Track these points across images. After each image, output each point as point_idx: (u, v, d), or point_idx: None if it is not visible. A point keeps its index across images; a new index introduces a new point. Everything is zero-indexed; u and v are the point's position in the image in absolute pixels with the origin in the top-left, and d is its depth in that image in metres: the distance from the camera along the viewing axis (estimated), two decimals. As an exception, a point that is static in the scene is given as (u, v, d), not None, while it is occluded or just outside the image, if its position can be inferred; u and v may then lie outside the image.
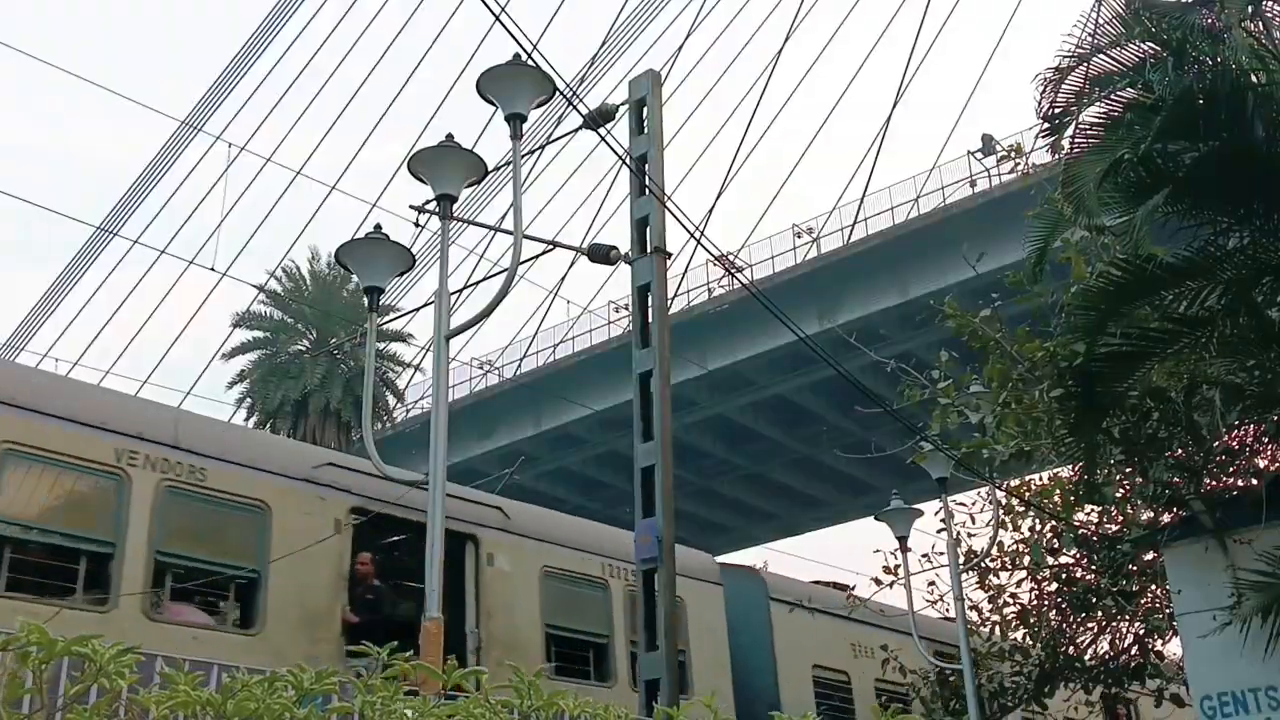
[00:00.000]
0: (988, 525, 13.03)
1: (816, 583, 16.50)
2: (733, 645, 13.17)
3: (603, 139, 10.30)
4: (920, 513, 12.94)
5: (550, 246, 9.99)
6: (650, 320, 11.70)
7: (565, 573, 11.91)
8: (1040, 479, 13.20)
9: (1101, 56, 8.21)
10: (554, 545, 11.92)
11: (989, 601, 13.55)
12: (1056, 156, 9.13)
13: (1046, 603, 13.09)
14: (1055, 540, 12.62)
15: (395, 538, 11.11)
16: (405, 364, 38.04)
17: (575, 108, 10.69)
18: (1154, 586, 12.06)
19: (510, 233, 7.93)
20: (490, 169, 8.35)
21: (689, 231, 11.25)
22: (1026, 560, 13.04)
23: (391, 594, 10.78)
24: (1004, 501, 13.02)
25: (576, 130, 12.43)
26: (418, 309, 30.26)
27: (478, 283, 12.59)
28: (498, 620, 11.00)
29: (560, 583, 11.86)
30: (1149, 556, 11.20)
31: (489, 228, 18.29)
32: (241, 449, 10.24)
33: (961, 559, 12.72)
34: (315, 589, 9.93)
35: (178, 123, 25.39)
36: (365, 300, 8.49)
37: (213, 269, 23.46)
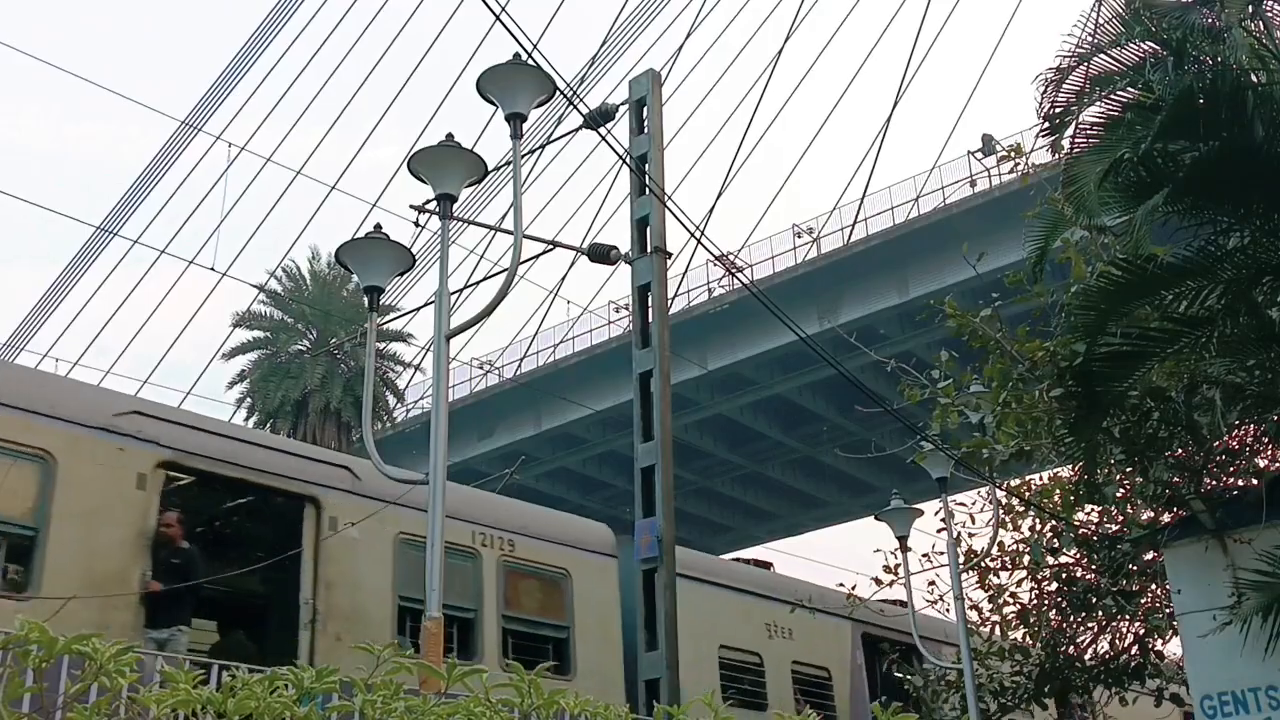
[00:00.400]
0: (988, 525, 13.02)
1: (736, 560, 16.08)
2: (628, 622, 12.24)
3: (603, 139, 10.32)
4: (920, 512, 12.94)
5: (550, 246, 10.01)
6: (650, 320, 11.73)
7: (426, 540, 11.12)
8: (1040, 479, 13.19)
9: (1102, 56, 8.20)
10: (414, 510, 10.61)
11: (989, 601, 13.54)
12: (1057, 156, 9.12)
13: (1046, 602, 13.07)
14: (1055, 540, 12.62)
15: (215, 497, 10.25)
16: (405, 364, 38.11)
17: (575, 107, 10.70)
18: (1154, 586, 12.06)
19: (510, 232, 7.95)
20: (490, 169, 8.36)
21: (689, 231, 11.26)
22: (1026, 560, 13.03)
23: (204, 559, 9.87)
24: (1004, 501, 13.02)
25: (577, 130, 12.47)
26: (418, 309, 30.35)
27: (478, 283, 12.67)
28: (340, 591, 10.09)
29: (420, 551, 10.73)
30: (1149, 556, 11.20)
31: (489, 227, 18.33)
32: (19, 391, 9.21)
33: (961, 558, 12.71)
34: (109, 551, 8.90)
35: (178, 123, 25.42)
36: (365, 300, 8.50)
37: (213, 269, 23.52)
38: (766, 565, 16.06)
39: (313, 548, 10.09)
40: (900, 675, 14.05)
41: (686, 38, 25.19)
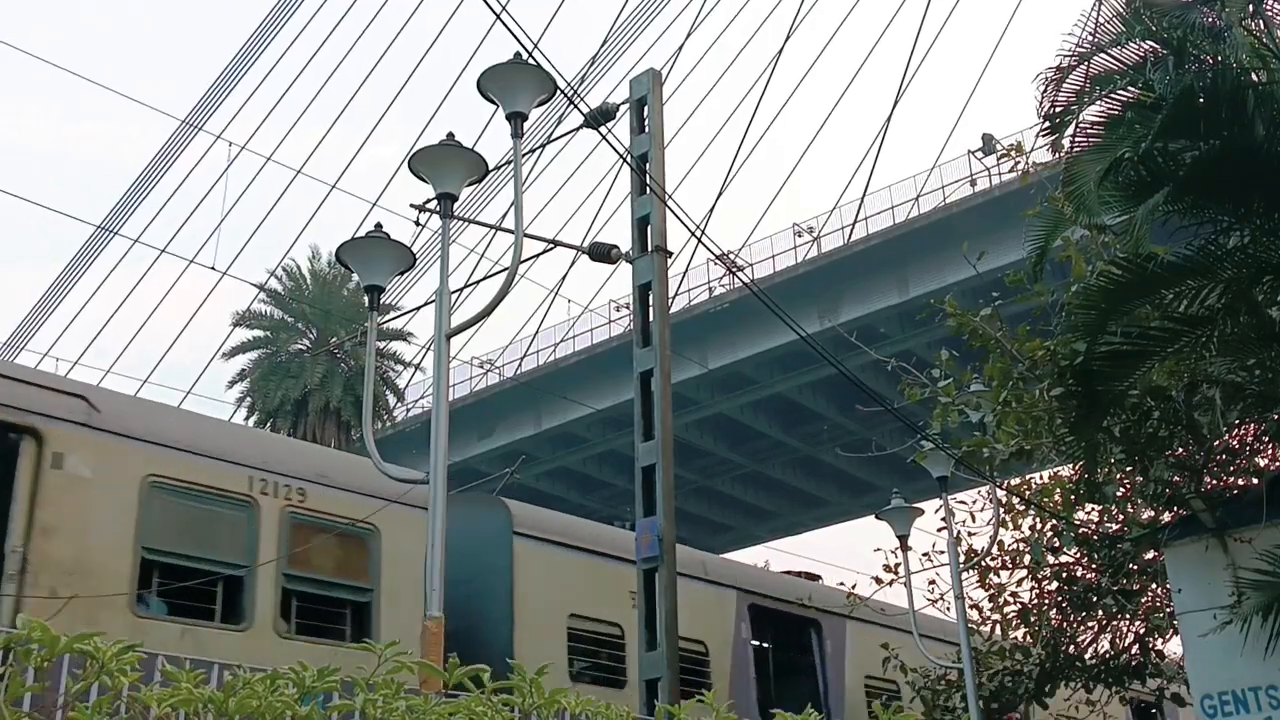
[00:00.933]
0: (988, 524, 13.04)
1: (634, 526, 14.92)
2: (454, 586, 10.89)
3: (603, 138, 10.33)
4: (921, 511, 12.94)
5: (551, 245, 10.01)
6: (651, 319, 11.72)
7: (186, 485, 9.55)
8: (1041, 478, 13.20)
9: (1102, 55, 8.20)
10: (172, 449, 9.55)
11: (989, 600, 13.56)
12: (1057, 156, 9.13)
13: (1047, 602, 13.09)
14: (1055, 539, 12.63)
15: None
16: (405, 363, 38.14)
17: (576, 107, 10.70)
18: (1154, 585, 12.07)
19: (511, 231, 7.95)
20: (491, 168, 8.36)
21: (690, 230, 11.26)
22: (1027, 559, 13.05)
23: None
24: (1004, 500, 13.03)
25: (577, 129, 12.47)
26: (418, 308, 30.31)
27: (478, 282, 12.60)
28: (61, 539, 8.85)
29: (176, 497, 9.51)
30: (1149, 555, 11.21)
31: (490, 226, 18.36)
32: None
33: (962, 558, 12.73)
34: None
35: (178, 122, 25.44)
36: (365, 299, 8.50)
37: (213, 268, 23.56)
38: None
39: (28, 488, 8.76)
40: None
41: (687, 37, 25.27)
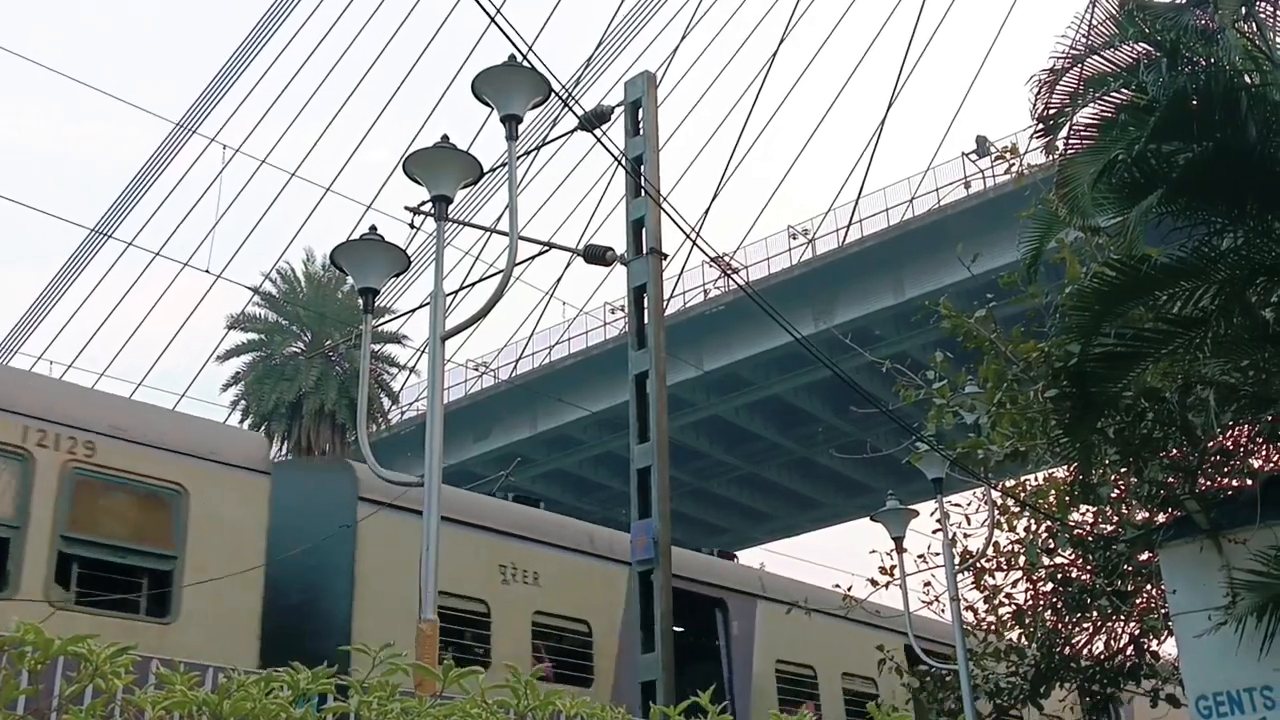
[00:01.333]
0: (983, 525, 13.05)
1: (518, 495, 13.50)
2: (287, 561, 9.91)
3: (598, 140, 10.34)
4: (916, 513, 12.95)
5: (546, 247, 10.01)
6: (646, 321, 11.74)
7: None
8: (1035, 479, 13.22)
9: (1096, 58, 8.22)
10: None
11: (984, 602, 13.56)
12: (1051, 157, 9.14)
13: (1042, 603, 13.10)
14: (1050, 540, 12.64)
15: None
16: (400, 366, 38.15)
17: (571, 109, 10.71)
18: (1149, 586, 12.09)
19: (506, 234, 7.95)
20: (486, 170, 8.36)
21: (685, 232, 11.28)
22: (1022, 560, 13.06)
23: None
24: (999, 502, 13.04)
25: (572, 131, 12.51)
26: (413, 310, 30.40)
27: (474, 284, 12.61)
28: None
29: None
30: (1144, 556, 11.22)
31: (485, 229, 18.34)
32: None
33: (957, 559, 12.73)
34: None
35: (172, 125, 25.38)
36: (360, 302, 8.49)
37: (207, 271, 23.52)
38: (535, 503, 13.53)
39: None
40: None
41: (682, 39, 25.31)
